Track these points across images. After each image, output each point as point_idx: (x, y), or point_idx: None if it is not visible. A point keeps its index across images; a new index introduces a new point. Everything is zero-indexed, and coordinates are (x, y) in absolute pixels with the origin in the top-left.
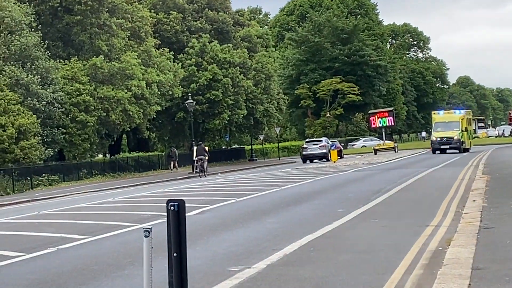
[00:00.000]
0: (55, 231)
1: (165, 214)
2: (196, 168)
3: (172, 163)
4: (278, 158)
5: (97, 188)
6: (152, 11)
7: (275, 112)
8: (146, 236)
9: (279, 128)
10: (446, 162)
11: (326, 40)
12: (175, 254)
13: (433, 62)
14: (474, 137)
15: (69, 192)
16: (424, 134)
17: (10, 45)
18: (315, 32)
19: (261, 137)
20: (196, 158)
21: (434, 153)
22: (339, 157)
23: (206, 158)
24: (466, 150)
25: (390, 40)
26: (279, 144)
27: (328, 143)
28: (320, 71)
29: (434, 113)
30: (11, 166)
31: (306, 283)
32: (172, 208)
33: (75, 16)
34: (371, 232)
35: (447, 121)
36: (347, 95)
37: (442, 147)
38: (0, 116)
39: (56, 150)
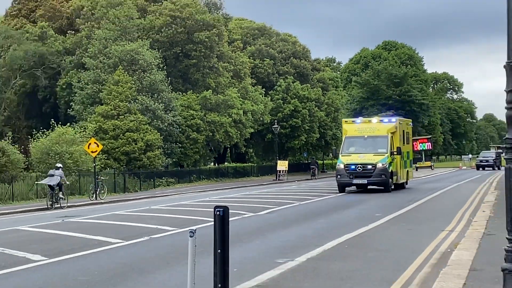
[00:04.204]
0: (153, 222)
1: (235, 218)
2: (279, 177)
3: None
4: None
5: (202, 190)
6: (251, 58)
7: (341, 136)
8: (190, 236)
9: None
10: (470, 178)
11: (382, 83)
12: (219, 251)
13: (465, 102)
14: None
15: (180, 192)
16: (470, 156)
17: (142, 81)
18: (374, 77)
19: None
20: (311, 167)
21: (342, 191)
22: None
23: (317, 167)
24: (400, 185)
25: (432, 84)
26: None
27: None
28: (378, 106)
29: (347, 122)
30: (140, 171)
31: (333, 275)
32: (218, 213)
33: (192, 60)
34: (397, 233)
35: (367, 136)
36: None
37: (355, 181)
38: (133, 133)
39: (174, 160)
